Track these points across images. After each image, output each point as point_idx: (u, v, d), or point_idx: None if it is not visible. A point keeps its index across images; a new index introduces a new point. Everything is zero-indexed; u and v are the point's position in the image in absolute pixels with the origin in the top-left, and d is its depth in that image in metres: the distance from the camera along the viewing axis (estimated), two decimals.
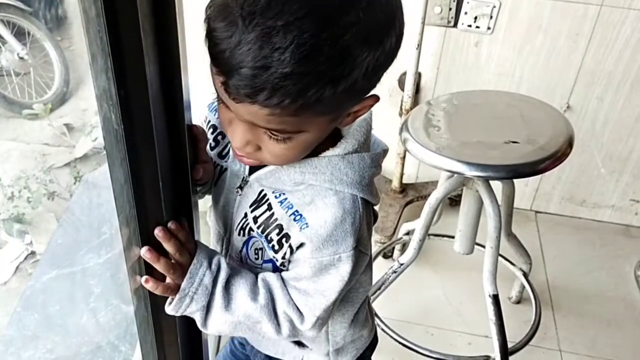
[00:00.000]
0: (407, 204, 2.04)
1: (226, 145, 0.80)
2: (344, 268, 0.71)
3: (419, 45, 1.74)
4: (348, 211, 0.69)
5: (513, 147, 1.26)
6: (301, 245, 0.71)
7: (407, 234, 1.82)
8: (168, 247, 0.68)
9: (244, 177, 0.77)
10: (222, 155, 0.81)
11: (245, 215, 0.76)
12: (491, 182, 1.38)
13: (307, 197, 0.70)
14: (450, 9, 1.81)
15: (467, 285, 1.86)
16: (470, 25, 1.83)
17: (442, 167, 1.24)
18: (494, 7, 1.78)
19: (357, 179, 0.70)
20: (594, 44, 1.82)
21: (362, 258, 0.73)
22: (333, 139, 0.71)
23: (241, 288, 0.73)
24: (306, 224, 0.69)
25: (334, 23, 0.54)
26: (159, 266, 0.68)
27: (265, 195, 0.74)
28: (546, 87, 1.89)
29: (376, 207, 0.81)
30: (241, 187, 0.77)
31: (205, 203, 0.85)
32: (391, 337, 1.59)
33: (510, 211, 1.56)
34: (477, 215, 1.48)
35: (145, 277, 0.69)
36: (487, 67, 1.91)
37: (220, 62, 0.56)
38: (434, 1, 1.78)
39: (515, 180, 1.52)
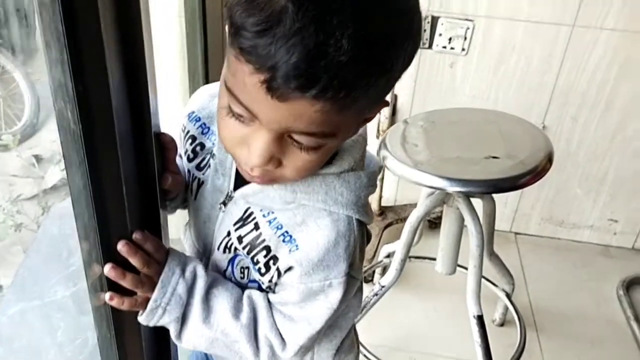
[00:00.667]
0: (386, 226, 2.01)
1: (205, 157, 0.74)
2: (334, 295, 0.66)
3: None
4: (342, 234, 0.64)
5: (493, 162, 1.24)
6: (289, 268, 0.66)
7: (388, 256, 1.78)
8: (135, 261, 0.63)
9: (228, 193, 0.71)
10: (200, 168, 0.75)
11: (229, 233, 0.70)
12: (471, 200, 1.36)
13: (298, 216, 0.65)
14: (424, 30, 1.81)
15: (450, 308, 1.82)
16: (445, 47, 1.83)
17: (422, 183, 1.21)
18: (468, 28, 1.79)
19: (352, 199, 0.65)
20: (567, 65, 1.83)
21: (353, 283, 0.68)
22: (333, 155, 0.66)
23: (224, 301, 0.68)
24: (296, 246, 0.64)
25: (387, 6, 0.51)
26: (126, 283, 0.63)
27: (251, 213, 0.68)
28: (522, 107, 1.90)
29: None
30: (224, 203, 0.71)
31: (177, 230, 0.81)
32: None
33: (492, 230, 1.53)
34: (459, 234, 1.45)
35: (109, 293, 0.63)
36: (462, 88, 1.91)
37: (262, 56, 0.49)
38: None
39: (494, 201, 1.50)
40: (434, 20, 1.80)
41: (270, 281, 0.68)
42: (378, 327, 1.72)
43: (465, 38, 1.81)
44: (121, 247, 0.62)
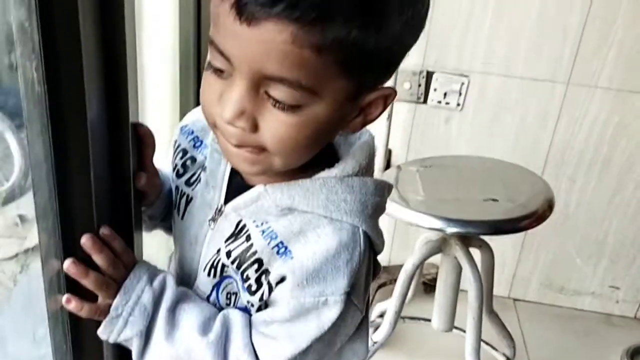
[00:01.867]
0: (379, 287, 1.91)
1: (195, 172, 0.69)
2: (327, 315, 0.57)
3: (390, 118, 1.71)
4: (344, 244, 0.56)
5: (492, 205, 1.18)
6: (281, 280, 0.57)
7: (381, 315, 1.68)
8: (99, 259, 0.56)
9: (218, 207, 0.64)
10: (189, 183, 0.69)
11: (218, 251, 0.62)
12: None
13: (295, 225, 0.57)
14: (419, 85, 1.81)
15: None
16: (440, 102, 1.82)
17: (419, 224, 1.15)
18: (463, 83, 1.79)
19: (357, 206, 0.57)
20: (563, 123, 1.82)
21: (353, 314, 0.59)
22: (329, 160, 0.59)
23: (192, 317, 0.60)
24: (291, 257, 0.57)
25: None
26: (88, 282, 0.56)
27: (244, 226, 0.61)
28: None
29: None
30: (214, 220, 0.64)
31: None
32: None
33: (491, 285, 1.45)
34: (456, 286, 1.37)
35: (66, 295, 0.56)
36: (457, 144, 1.88)
37: None
38: (403, 77, 1.79)
39: (493, 253, 1.44)
40: (429, 75, 1.80)
41: (261, 299, 0.60)
42: None
43: (460, 93, 1.80)
44: (85, 240, 0.55)
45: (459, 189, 1.25)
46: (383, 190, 0.61)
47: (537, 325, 2.01)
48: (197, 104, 1.60)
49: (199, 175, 0.68)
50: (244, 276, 0.60)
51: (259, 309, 0.61)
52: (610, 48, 1.70)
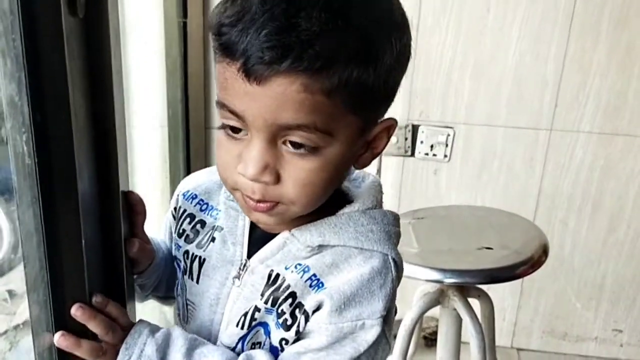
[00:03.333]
0: None
1: (207, 234, 0.68)
2: (364, 337, 0.57)
3: (379, 172, 1.73)
4: (377, 270, 0.58)
5: (487, 253, 1.18)
6: (318, 308, 0.58)
7: None
8: (94, 326, 0.55)
9: (242, 262, 0.64)
10: (200, 245, 0.69)
11: (257, 309, 0.62)
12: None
13: (327, 258, 0.59)
14: (406, 139, 1.84)
15: None
16: (427, 154, 1.85)
17: (415, 277, 1.14)
18: (449, 135, 1.82)
19: (384, 235, 0.60)
20: (550, 168, 1.85)
21: (385, 343, 0.60)
22: (339, 201, 0.62)
23: (214, 357, 0.59)
24: (324, 288, 0.58)
25: None
26: (82, 352, 0.54)
27: (278, 275, 0.61)
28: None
29: None
30: (238, 277, 0.64)
31: None
32: None
33: (493, 335, 1.43)
34: (458, 339, 1.34)
35: (60, 333, 0.54)
36: (447, 195, 1.89)
37: (236, 43, 0.49)
38: None
39: (492, 302, 1.42)
40: (415, 128, 1.83)
41: (297, 333, 0.60)
42: None
43: (447, 145, 1.83)
44: (75, 310, 0.54)
45: (452, 239, 1.25)
46: (398, 220, 0.64)
47: None
48: (188, 168, 1.62)
49: (211, 236, 0.68)
50: (279, 311, 0.60)
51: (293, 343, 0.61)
52: (589, 94, 1.75)
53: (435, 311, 1.42)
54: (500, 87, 1.78)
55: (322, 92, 0.50)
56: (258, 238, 0.64)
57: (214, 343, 0.65)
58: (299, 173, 0.54)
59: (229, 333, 0.64)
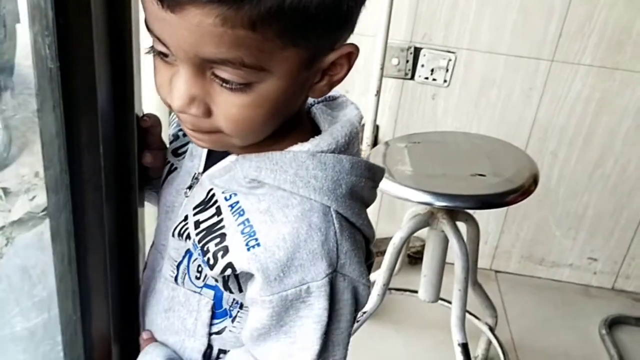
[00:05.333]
0: None
1: (185, 143, 0.68)
2: (319, 304, 0.53)
3: (378, 93, 1.73)
4: (316, 226, 0.53)
5: (479, 179, 1.22)
6: (247, 273, 0.54)
7: None
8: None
9: (195, 174, 0.63)
10: (177, 153, 0.69)
11: (186, 217, 0.61)
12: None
13: (263, 203, 0.55)
14: (407, 61, 1.83)
15: (432, 343, 1.75)
16: (427, 78, 1.84)
17: (407, 198, 1.18)
18: (450, 60, 1.81)
19: (329, 185, 0.53)
20: (547, 99, 1.86)
21: (350, 289, 0.55)
22: (306, 136, 0.56)
23: None
24: (255, 239, 0.53)
25: None
26: None
27: (213, 195, 0.59)
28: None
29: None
30: (190, 187, 0.63)
31: None
32: None
33: (476, 257, 1.50)
34: (443, 259, 1.41)
35: None
36: (444, 120, 1.91)
37: None
38: (391, 53, 1.80)
39: (479, 226, 1.48)
40: (417, 51, 1.82)
41: (220, 275, 0.57)
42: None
43: (447, 70, 1.82)
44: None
45: (446, 165, 1.28)
46: (363, 170, 0.56)
47: (518, 296, 2.08)
48: None
49: (185, 145, 0.67)
50: (205, 249, 0.57)
51: (225, 288, 0.59)
52: (594, 26, 1.73)
53: (421, 232, 1.47)
54: (506, 14, 1.75)
55: (245, 25, 0.44)
56: (215, 155, 0.61)
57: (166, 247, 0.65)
58: (229, 108, 0.49)
59: (175, 245, 0.63)
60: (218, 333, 0.63)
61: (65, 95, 0.50)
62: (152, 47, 0.50)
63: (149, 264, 0.70)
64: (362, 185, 0.56)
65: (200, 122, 0.51)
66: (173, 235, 0.62)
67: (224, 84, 0.48)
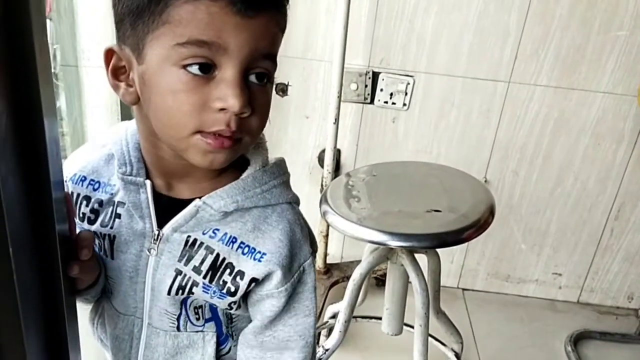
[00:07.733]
0: (332, 285, 1.94)
1: (107, 211, 0.68)
2: (310, 277, 0.69)
3: (337, 120, 1.71)
4: (293, 221, 0.67)
5: (435, 216, 1.21)
6: (267, 276, 0.66)
7: (333, 317, 1.70)
8: None
9: (154, 234, 0.66)
10: (105, 224, 0.68)
11: (179, 272, 0.66)
12: (416, 256, 1.32)
13: (248, 224, 0.66)
14: (366, 86, 1.81)
15: None
16: (386, 102, 1.83)
17: (364, 239, 1.16)
18: (408, 83, 1.81)
19: (284, 186, 0.68)
20: (505, 119, 1.87)
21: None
22: (241, 164, 0.67)
23: None
24: (259, 252, 0.65)
25: None
26: None
27: (195, 240, 0.66)
28: (463, 162, 1.90)
29: None
30: (153, 247, 0.66)
31: None
32: None
33: (438, 287, 1.49)
34: (404, 292, 1.39)
35: None
36: (405, 143, 1.91)
37: None
38: (349, 78, 1.79)
39: (441, 257, 1.47)
40: (375, 75, 1.81)
41: (242, 296, 0.67)
42: None
43: (406, 93, 1.82)
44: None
45: (403, 200, 1.27)
46: (284, 166, 0.70)
47: (485, 313, 2.08)
48: None
49: (114, 212, 0.68)
50: (220, 283, 0.66)
51: (238, 307, 0.69)
52: (549, 47, 1.74)
53: None
54: (462, 37, 1.75)
55: (282, 30, 0.60)
56: (165, 207, 0.66)
57: (143, 311, 0.69)
58: (262, 104, 0.60)
59: (169, 302, 0.68)
60: (224, 355, 0.74)
61: None
62: (186, 69, 0.56)
63: (121, 330, 0.72)
64: (289, 176, 0.71)
65: (243, 122, 0.58)
66: (169, 294, 0.67)
67: (259, 82, 0.59)
